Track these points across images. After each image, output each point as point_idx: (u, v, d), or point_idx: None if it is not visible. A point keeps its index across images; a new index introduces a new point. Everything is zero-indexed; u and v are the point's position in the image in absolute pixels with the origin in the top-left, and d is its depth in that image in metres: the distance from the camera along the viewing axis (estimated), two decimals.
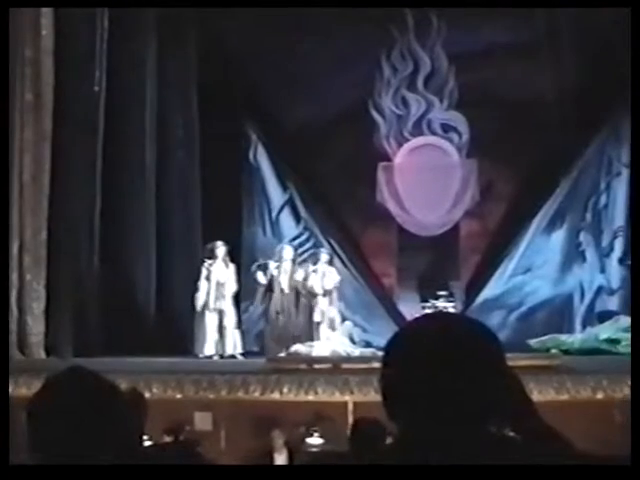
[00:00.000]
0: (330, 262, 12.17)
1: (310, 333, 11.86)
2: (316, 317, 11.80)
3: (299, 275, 12.20)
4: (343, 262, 13.33)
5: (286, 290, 12.10)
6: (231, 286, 12.01)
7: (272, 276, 12.21)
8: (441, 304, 12.29)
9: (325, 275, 11.96)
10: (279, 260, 12.27)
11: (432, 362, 1.63)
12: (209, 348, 11.81)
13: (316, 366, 9.75)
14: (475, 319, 1.80)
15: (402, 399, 1.65)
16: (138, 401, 4.72)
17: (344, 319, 11.99)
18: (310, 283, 11.94)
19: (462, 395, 1.62)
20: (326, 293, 11.86)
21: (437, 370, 1.62)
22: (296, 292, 12.15)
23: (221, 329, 11.88)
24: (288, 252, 12.39)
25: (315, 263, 12.10)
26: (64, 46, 11.47)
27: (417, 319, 1.78)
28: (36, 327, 11.16)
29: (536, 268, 13.56)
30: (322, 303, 11.86)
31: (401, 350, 1.69)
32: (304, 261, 12.81)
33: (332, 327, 11.68)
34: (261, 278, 12.28)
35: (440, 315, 1.81)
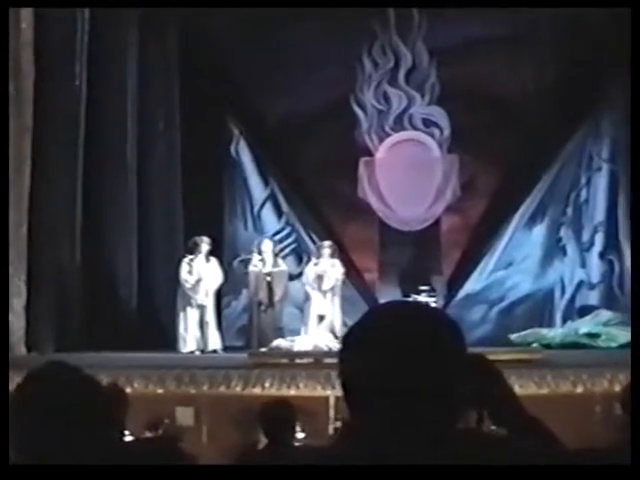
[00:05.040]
0: (332, 255, 12.11)
1: (294, 327, 11.90)
2: (313, 311, 11.82)
3: (284, 267, 12.27)
4: None
5: (273, 283, 12.11)
6: (213, 281, 11.99)
7: (255, 269, 12.22)
8: (423, 299, 12.30)
9: (329, 268, 11.93)
10: (260, 254, 12.28)
11: (389, 352, 1.56)
12: (191, 343, 11.79)
13: (298, 361, 9.75)
14: (434, 307, 1.76)
15: (362, 393, 1.58)
16: (119, 396, 4.72)
17: (322, 317, 11.96)
18: (310, 276, 11.93)
19: (422, 386, 1.55)
20: (327, 287, 11.86)
21: (394, 360, 1.55)
22: (285, 285, 12.21)
23: (202, 324, 11.87)
24: (267, 245, 12.38)
25: (318, 257, 12.10)
26: (44, 39, 11.39)
27: (371, 310, 1.71)
28: (17, 323, 11.09)
29: (517, 263, 13.62)
30: (320, 297, 11.86)
31: (355, 342, 1.62)
32: (286, 255, 12.83)
33: (331, 324, 11.67)
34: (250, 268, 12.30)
35: (395, 304, 1.73)
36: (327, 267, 11.93)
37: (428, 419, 1.55)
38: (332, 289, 11.91)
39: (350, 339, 1.64)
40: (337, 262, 12.01)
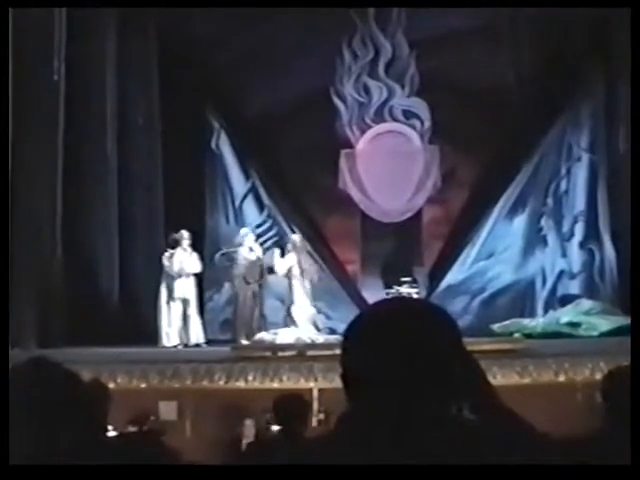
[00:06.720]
0: (302, 247, 12.10)
1: (277, 320, 11.89)
2: (287, 303, 11.83)
3: (265, 261, 12.24)
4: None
5: (252, 276, 12.10)
6: (195, 275, 11.98)
7: (237, 263, 12.21)
8: (405, 290, 12.34)
9: (297, 261, 11.93)
10: (241, 247, 12.26)
11: (390, 346, 1.63)
12: (173, 337, 11.78)
13: (280, 354, 9.76)
14: (434, 303, 1.82)
15: (362, 384, 1.65)
16: (101, 391, 4.71)
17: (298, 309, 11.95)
18: (281, 268, 11.92)
19: (421, 378, 1.62)
20: (298, 278, 11.87)
21: (396, 354, 1.62)
22: (264, 277, 12.21)
23: (185, 318, 11.86)
24: (249, 238, 12.37)
25: (289, 251, 12.11)
26: (22, 35, 11.31)
27: (376, 304, 1.78)
28: None
29: (498, 253, 13.66)
30: (294, 288, 11.87)
31: (360, 334, 1.68)
32: (268, 247, 12.83)
33: (304, 314, 11.67)
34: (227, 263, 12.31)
35: (398, 299, 1.82)
36: (276, 260, 11.89)
37: (423, 409, 1.62)
38: (310, 281, 11.86)
39: (353, 331, 1.70)
40: (291, 255, 11.90)
